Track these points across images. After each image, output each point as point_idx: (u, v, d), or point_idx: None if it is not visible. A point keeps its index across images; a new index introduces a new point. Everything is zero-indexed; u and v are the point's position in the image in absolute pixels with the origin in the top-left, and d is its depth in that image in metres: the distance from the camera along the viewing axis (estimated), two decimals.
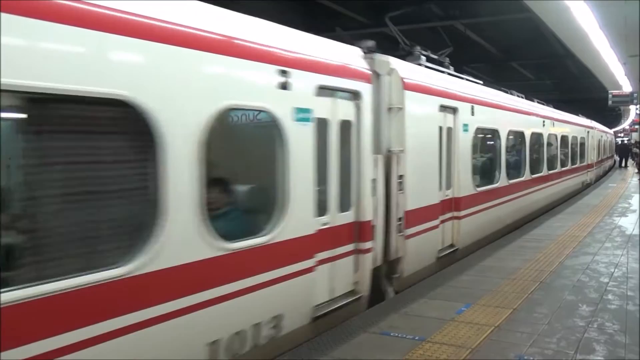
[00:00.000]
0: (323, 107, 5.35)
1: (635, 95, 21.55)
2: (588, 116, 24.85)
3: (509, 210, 11.10)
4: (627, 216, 12.71)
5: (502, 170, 10.68)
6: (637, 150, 31.89)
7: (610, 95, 22.08)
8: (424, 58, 8.34)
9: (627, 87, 21.60)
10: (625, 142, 44.70)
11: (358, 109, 5.90)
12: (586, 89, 28.02)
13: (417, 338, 4.87)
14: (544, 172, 14.24)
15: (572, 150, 18.43)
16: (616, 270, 7.39)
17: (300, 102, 4.95)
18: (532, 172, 12.99)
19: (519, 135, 12.40)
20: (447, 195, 8.27)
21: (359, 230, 5.93)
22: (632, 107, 29.64)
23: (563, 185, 16.81)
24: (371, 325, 5.24)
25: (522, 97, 13.64)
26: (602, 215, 12.77)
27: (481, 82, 10.63)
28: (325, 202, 5.48)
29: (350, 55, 6.02)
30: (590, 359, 4.45)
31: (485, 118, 9.89)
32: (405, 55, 8.07)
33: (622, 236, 9.99)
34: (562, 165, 16.71)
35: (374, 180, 6.15)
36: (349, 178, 5.88)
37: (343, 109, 5.72)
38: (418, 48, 8.36)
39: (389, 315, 5.52)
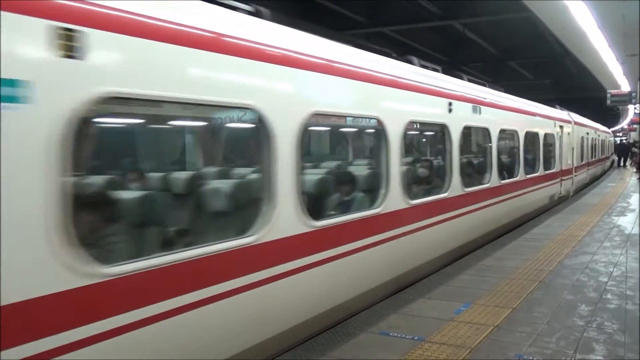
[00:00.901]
0: None
1: (633, 94, 21.59)
2: (587, 116, 24.51)
3: (326, 285, 5.27)
4: (626, 215, 12.69)
5: (289, 207, 4.63)
6: (636, 150, 31.89)
7: (608, 95, 22.13)
8: None
9: (625, 86, 21.65)
10: (624, 141, 44.73)
11: None
12: (585, 88, 28.09)
13: (416, 338, 4.86)
14: (457, 190, 8.23)
15: (527, 151, 12.37)
16: (615, 269, 7.38)
17: None
18: (428, 192, 7.83)
19: (370, 128, 7.47)
20: None
21: None
22: (631, 107, 29.69)
23: (508, 207, 10.76)
24: (370, 325, 5.23)
25: (434, 70, 8.39)
26: (601, 214, 12.76)
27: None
28: None
29: None
30: (590, 358, 4.44)
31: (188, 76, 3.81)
32: None
33: (621, 235, 9.98)
34: (504, 175, 10.77)
35: None
36: None
37: None
38: None
39: (388, 315, 5.51)
